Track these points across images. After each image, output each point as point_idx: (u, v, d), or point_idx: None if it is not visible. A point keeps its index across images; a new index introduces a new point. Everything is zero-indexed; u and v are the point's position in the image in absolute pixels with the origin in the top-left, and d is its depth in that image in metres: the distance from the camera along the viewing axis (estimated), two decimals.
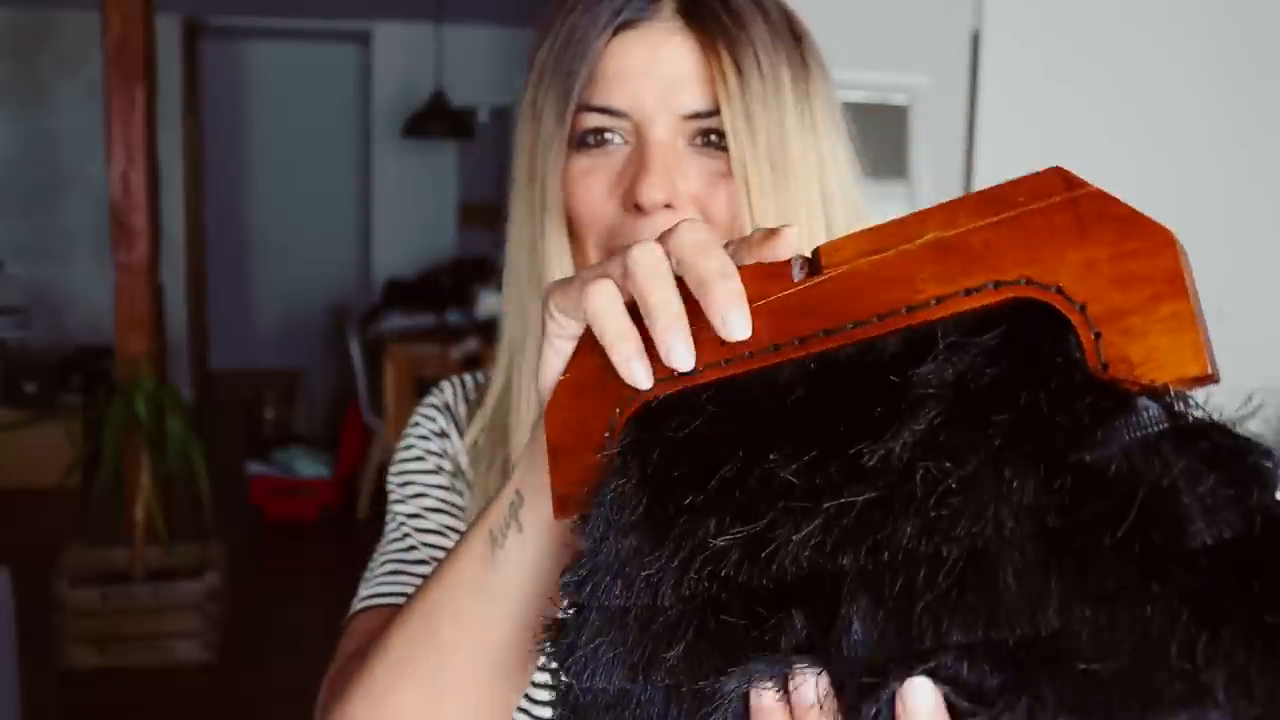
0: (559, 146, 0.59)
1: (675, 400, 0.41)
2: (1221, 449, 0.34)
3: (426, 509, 0.70)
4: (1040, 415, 0.34)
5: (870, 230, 0.38)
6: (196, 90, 6.70)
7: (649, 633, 0.39)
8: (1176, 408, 0.34)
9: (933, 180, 3.70)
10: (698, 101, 0.58)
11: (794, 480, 0.37)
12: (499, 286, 0.69)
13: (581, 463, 0.42)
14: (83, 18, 5.81)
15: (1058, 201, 0.37)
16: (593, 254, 0.60)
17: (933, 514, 0.34)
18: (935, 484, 0.34)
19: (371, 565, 0.71)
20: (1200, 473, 0.33)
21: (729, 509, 0.38)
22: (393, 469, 0.73)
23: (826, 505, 0.36)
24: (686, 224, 0.40)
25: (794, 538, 0.36)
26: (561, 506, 0.43)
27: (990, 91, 3.76)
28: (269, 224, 7.41)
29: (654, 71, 0.58)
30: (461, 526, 0.69)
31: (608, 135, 0.59)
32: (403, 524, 0.70)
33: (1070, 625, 0.32)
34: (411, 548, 0.69)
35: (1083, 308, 0.35)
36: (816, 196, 0.62)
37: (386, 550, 0.70)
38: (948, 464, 0.34)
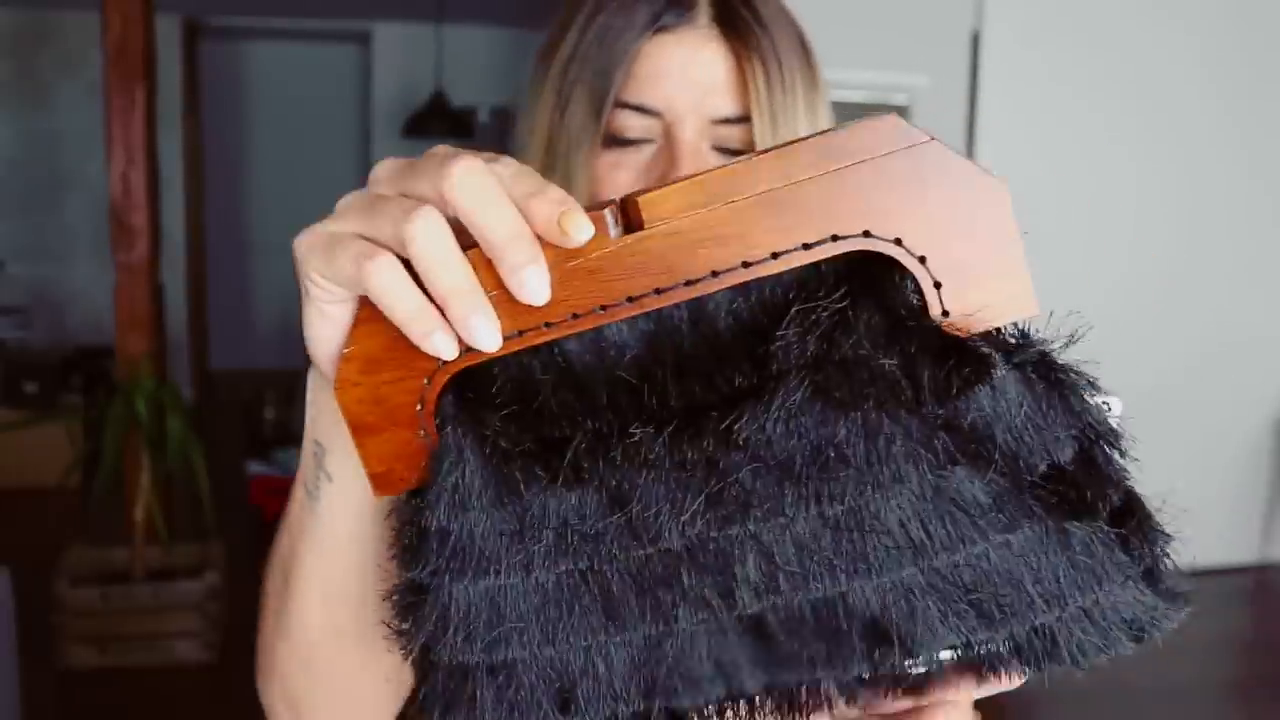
0: (591, 140, 0.60)
1: (499, 366, 0.38)
2: (1055, 386, 0.37)
3: None
4: (905, 380, 0.35)
5: (696, 182, 0.36)
6: (197, 90, 6.70)
7: (529, 607, 0.38)
8: (1016, 350, 0.37)
9: None
10: (729, 107, 0.60)
11: (663, 454, 0.36)
12: None
13: (392, 439, 0.39)
14: (83, 18, 5.81)
15: (895, 153, 0.36)
16: None
17: (816, 480, 0.36)
18: (816, 452, 0.36)
19: None
20: (1043, 411, 0.36)
21: (590, 484, 0.37)
22: None
23: (714, 483, 0.36)
24: (463, 167, 0.36)
25: (681, 517, 0.36)
26: (381, 485, 0.40)
27: (990, 92, 3.76)
28: (269, 224, 7.40)
29: (689, 75, 0.60)
30: None
31: (637, 132, 0.61)
32: None
33: (953, 561, 0.36)
34: None
35: (923, 259, 0.36)
36: None
37: None
38: (825, 432, 0.35)
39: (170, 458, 3.11)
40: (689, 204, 0.36)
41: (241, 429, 5.27)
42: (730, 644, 0.39)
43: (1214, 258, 4.03)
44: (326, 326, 0.40)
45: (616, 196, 0.50)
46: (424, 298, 0.36)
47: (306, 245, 0.39)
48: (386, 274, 0.36)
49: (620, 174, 0.61)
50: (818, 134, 0.37)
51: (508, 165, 0.37)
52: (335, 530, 0.49)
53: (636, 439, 0.36)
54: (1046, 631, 0.39)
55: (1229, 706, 3.28)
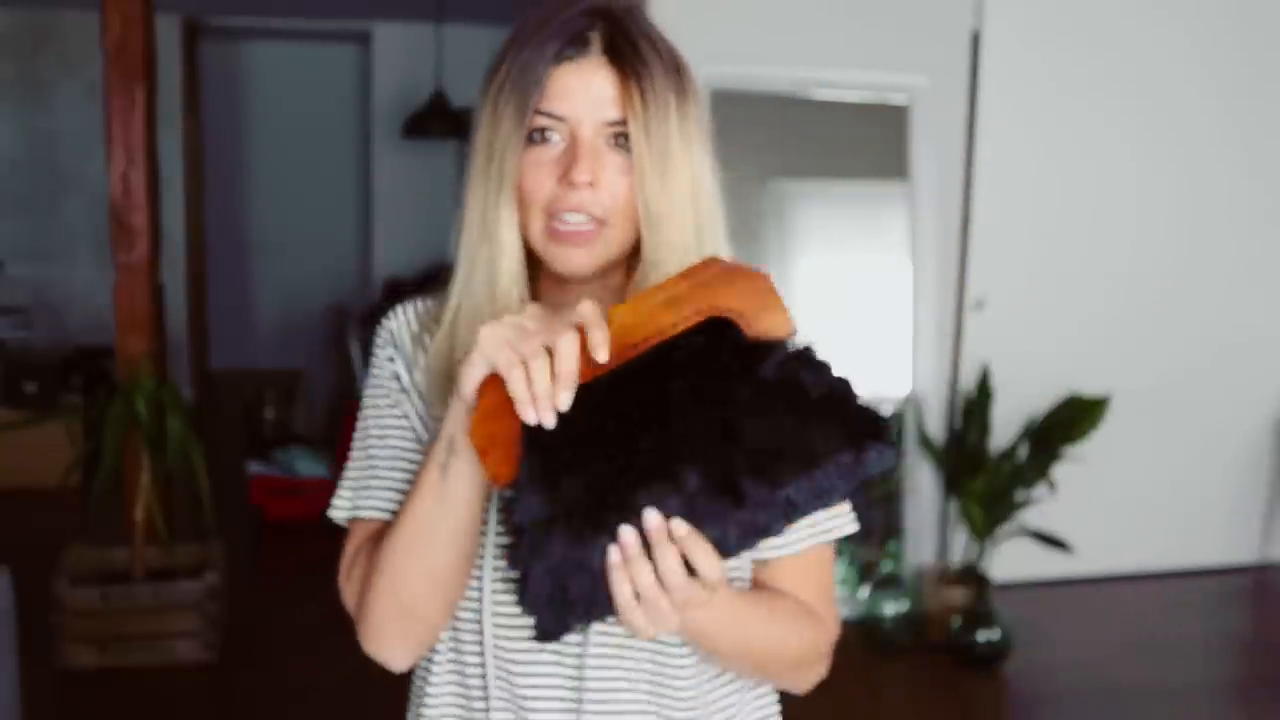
0: (517, 140, 0.84)
1: None
2: (812, 359, 0.74)
3: (386, 427, 0.97)
4: (733, 365, 0.73)
5: (632, 300, 0.76)
6: (196, 90, 6.69)
7: (571, 524, 0.71)
8: (790, 347, 0.74)
9: (933, 180, 3.69)
10: (615, 113, 0.84)
11: (640, 428, 0.72)
12: None
13: (502, 457, 0.74)
14: (83, 18, 5.81)
15: (717, 269, 0.76)
16: (535, 218, 0.87)
17: (709, 415, 0.71)
18: (707, 399, 0.72)
19: (348, 469, 0.99)
20: (807, 370, 0.73)
21: (598, 450, 0.72)
22: (365, 392, 1.01)
23: (673, 425, 0.72)
24: (567, 341, 0.72)
25: (647, 446, 0.71)
26: (498, 479, 0.75)
27: (990, 91, 3.76)
28: (269, 224, 7.40)
29: (587, 92, 0.84)
30: (408, 434, 0.96)
31: (549, 134, 0.85)
32: (371, 444, 0.97)
33: (774, 446, 0.71)
34: (373, 467, 0.96)
35: (740, 314, 0.75)
36: (687, 184, 0.87)
37: (356, 463, 0.98)
38: (709, 392, 0.72)
39: (170, 458, 3.11)
40: (629, 310, 0.75)
41: (241, 429, 5.27)
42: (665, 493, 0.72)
43: (1214, 257, 4.03)
44: (472, 375, 0.76)
45: (538, 181, 0.86)
46: (530, 395, 0.72)
47: (487, 336, 0.75)
48: (519, 383, 0.72)
49: (540, 169, 0.85)
50: (686, 269, 0.77)
51: (582, 313, 0.74)
52: (455, 487, 0.82)
53: (629, 428, 0.73)
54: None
55: (1229, 707, 3.28)
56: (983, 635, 3.27)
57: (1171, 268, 3.97)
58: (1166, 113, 3.94)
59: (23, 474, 4.69)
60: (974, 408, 3.63)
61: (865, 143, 3.70)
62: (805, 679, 0.94)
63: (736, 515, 0.71)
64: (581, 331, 0.73)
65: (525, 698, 0.89)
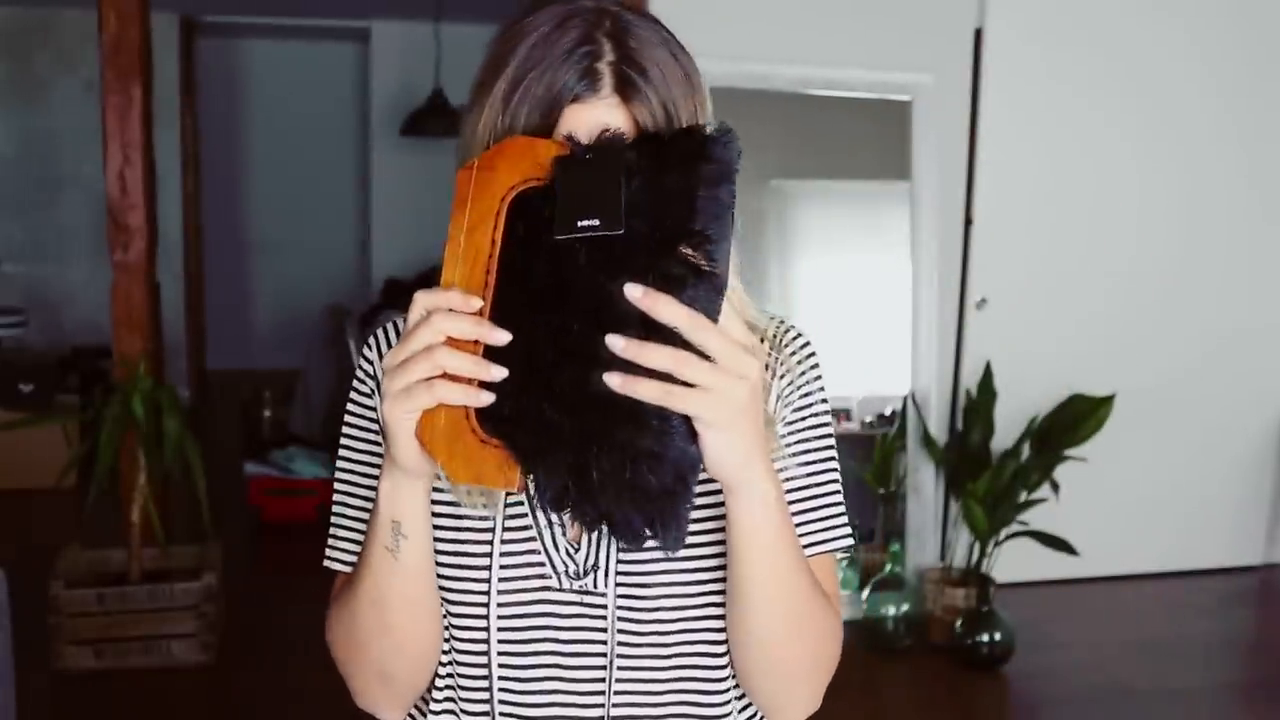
0: None
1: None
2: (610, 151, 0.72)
3: (362, 475, 0.95)
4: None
5: (446, 262, 0.75)
6: (194, 88, 6.67)
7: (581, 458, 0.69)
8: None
9: (935, 178, 3.67)
10: None
11: (553, 328, 0.70)
12: None
13: (461, 453, 0.72)
14: (80, 16, 5.79)
15: (476, 168, 0.74)
16: None
17: (592, 268, 0.69)
18: (568, 260, 0.70)
19: (335, 514, 0.96)
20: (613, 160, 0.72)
21: (545, 382, 0.70)
22: (343, 432, 0.98)
23: (573, 298, 0.69)
24: (444, 354, 0.72)
25: (573, 327, 0.69)
26: (460, 478, 0.72)
27: (992, 89, 3.74)
28: (267, 223, 7.38)
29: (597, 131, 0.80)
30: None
31: None
32: (347, 491, 0.95)
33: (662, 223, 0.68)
34: (345, 516, 0.95)
35: (526, 181, 0.72)
36: None
37: (336, 509, 0.96)
38: (567, 254, 0.70)
39: (167, 458, 3.09)
40: (454, 266, 0.76)
41: (239, 429, 5.25)
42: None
43: (1215, 256, 4.02)
44: (405, 431, 0.73)
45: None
46: (466, 396, 0.71)
47: (388, 409, 0.73)
48: (448, 390, 0.71)
49: None
50: (456, 194, 0.74)
51: (425, 304, 0.77)
52: (410, 566, 0.83)
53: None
54: None
55: (1233, 709, 3.26)
56: (985, 636, 3.26)
57: (1172, 266, 3.95)
58: (1166, 112, 3.92)
59: (18, 475, 4.66)
60: (976, 407, 3.61)
61: (867, 141, 3.68)
62: (820, 682, 0.87)
63: (687, 291, 0.67)
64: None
65: None
